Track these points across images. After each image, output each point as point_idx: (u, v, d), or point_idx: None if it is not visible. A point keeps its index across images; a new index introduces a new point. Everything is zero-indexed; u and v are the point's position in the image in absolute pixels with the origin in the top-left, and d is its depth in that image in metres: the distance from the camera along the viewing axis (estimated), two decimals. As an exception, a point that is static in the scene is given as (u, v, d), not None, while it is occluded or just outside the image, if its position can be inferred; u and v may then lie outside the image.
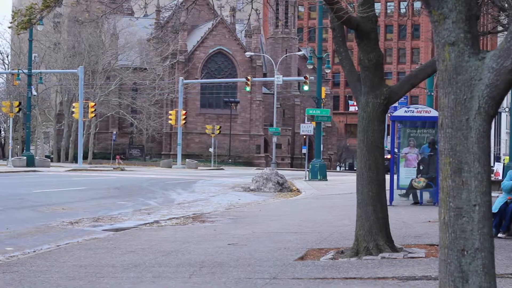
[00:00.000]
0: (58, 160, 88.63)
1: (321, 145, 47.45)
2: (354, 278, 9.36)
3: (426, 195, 22.89)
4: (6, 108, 59.22)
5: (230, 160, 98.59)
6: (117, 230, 16.13)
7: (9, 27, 11.72)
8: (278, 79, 73.02)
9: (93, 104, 68.85)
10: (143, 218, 19.17)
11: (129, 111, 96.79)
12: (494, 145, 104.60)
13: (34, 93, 71.46)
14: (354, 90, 11.72)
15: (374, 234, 11.06)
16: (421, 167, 21.98)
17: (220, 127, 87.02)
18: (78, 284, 9.14)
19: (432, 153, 21.56)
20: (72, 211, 20.45)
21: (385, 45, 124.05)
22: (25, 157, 59.55)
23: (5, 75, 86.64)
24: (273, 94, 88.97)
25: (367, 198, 11.19)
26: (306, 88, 69.27)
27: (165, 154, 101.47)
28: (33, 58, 66.97)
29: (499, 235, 13.66)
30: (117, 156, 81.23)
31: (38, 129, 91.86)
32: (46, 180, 38.63)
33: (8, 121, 71.27)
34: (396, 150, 22.96)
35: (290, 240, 13.41)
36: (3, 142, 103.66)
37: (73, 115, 69.74)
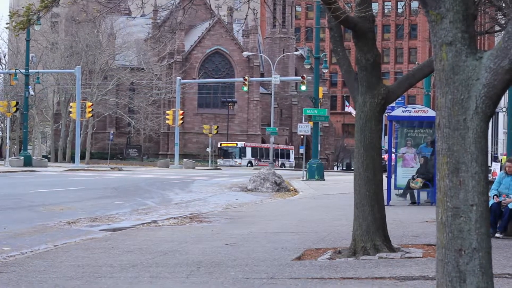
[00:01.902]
0: (56, 160, 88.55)
1: (319, 145, 47.47)
2: (352, 278, 9.37)
3: (423, 195, 22.89)
4: (3, 108, 59.13)
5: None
6: (114, 230, 16.12)
7: (6, 28, 11.72)
8: (275, 79, 73.01)
9: (90, 104, 68.78)
10: (141, 218, 19.17)
11: (127, 111, 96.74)
12: (492, 145, 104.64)
13: (32, 93, 71.36)
14: (351, 90, 11.73)
15: (372, 234, 11.06)
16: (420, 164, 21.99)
17: (218, 127, 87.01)
18: (76, 284, 9.14)
19: (433, 154, 21.53)
20: (69, 211, 20.43)
21: (383, 45, 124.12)
22: (22, 157, 59.46)
23: (2, 75, 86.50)
24: (271, 94, 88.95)
25: (365, 198, 11.20)
26: (303, 88, 69.30)
27: (162, 154, 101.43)
28: (30, 58, 66.84)
29: (497, 235, 13.67)
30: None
31: (36, 129, 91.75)
32: (44, 180, 38.60)
33: (6, 121, 71.23)
34: (393, 150, 22.96)
35: (287, 240, 13.41)
36: (0, 142, 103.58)
37: (71, 115, 69.60)
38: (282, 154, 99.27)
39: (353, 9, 11.81)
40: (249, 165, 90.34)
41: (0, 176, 42.51)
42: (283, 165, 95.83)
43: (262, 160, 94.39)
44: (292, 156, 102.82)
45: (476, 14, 6.23)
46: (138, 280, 9.40)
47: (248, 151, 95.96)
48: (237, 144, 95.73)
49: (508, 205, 13.95)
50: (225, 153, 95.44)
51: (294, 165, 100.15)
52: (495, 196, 14.12)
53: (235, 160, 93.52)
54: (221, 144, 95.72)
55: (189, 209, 22.20)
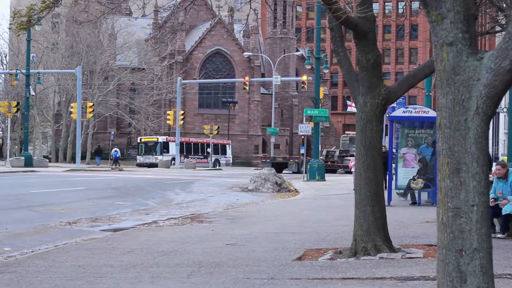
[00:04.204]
0: (56, 161, 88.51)
1: (319, 145, 47.44)
2: (352, 278, 9.37)
3: (424, 196, 22.89)
4: (4, 108, 59.13)
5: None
6: (115, 230, 16.13)
7: (9, 28, 11.72)
8: (276, 79, 73.00)
9: (91, 104, 68.77)
10: (141, 218, 19.17)
11: (127, 111, 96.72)
12: (492, 145, 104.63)
13: (32, 93, 71.41)
14: (352, 90, 11.73)
15: (372, 234, 11.07)
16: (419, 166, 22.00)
17: (218, 127, 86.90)
18: (77, 284, 9.14)
19: (434, 154, 21.52)
20: (70, 211, 20.44)
21: (383, 45, 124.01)
22: (23, 157, 59.46)
23: (3, 75, 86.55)
24: (271, 94, 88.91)
25: (365, 198, 11.20)
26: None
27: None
28: (31, 58, 66.84)
29: (498, 235, 13.68)
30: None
31: (36, 129, 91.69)
32: (44, 180, 38.60)
33: (6, 121, 71.21)
34: (394, 150, 22.96)
35: (288, 240, 13.41)
36: (1, 142, 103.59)
37: (71, 115, 69.64)
38: (216, 150, 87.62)
39: (354, 10, 11.82)
40: (173, 161, 78.46)
41: (1, 176, 42.52)
42: (217, 162, 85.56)
43: (190, 156, 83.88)
44: (229, 151, 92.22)
45: (477, 15, 6.24)
46: (138, 280, 9.40)
47: (172, 146, 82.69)
48: (158, 138, 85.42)
49: (503, 210, 13.96)
50: (145, 149, 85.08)
51: (231, 161, 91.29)
52: (492, 200, 14.16)
53: (156, 156, 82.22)
54: (140, 139, 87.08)
55: (190, 210, 22.20)
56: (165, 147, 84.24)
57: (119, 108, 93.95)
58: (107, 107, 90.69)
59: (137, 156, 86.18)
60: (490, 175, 15.31)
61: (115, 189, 32.08)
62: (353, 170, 28.54)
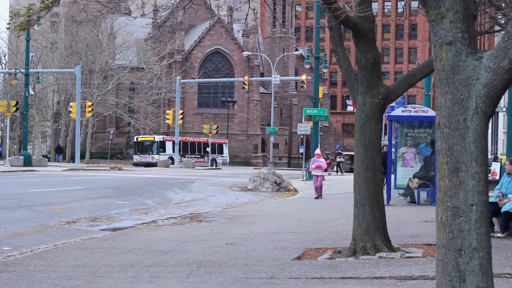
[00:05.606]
0: (55, 160, 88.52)
1: (319, 145, 47.45)
2: (352, 277, 9.37)
3: (423, 195, 22.89)
4: (3, 108, 59.06)
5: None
6: (114, 229, 16.13)
7: (7, 28, 11.71)
8: (275, 78, 73.00)
9: (90, 103, 68.76)
10: (141, 217, 19.17)
11: (127, 111, 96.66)
12: (492, 145, 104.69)
13: (31, 92, 71.30)
14: (351, 89, 11.74)
15: (372, 233, 11.07)
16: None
17: (218, 126, 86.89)
18: (76, 284, 9.14)
19: (433, 154, 21.55)
20: (69, 210, 20.44)
21: (383, 45, 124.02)
22: (22, 157, 59.43)
23: (2, 75, 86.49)
24: (271, 93, 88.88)
25: (365, 197, 11.21)
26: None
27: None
28: (30, 58, 66.75)
29: (498, 235, 13.69)
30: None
31: (35, 129, 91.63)
32: (44, 179, 38.58)
33: (6, 120, 71.21)
34: (393, 149, 22.96)
35: (287, 239, 13.41)
36: (0, 141, 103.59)
37: (70, 114, 69.59)
38: (213, 149, 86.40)
39: (353, 9, 11.82)
40: (170, 161, 77.43)
41: (0, 175, 42.50)
42: (214, 161, 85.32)
43: (187, 155, 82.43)
44: (226, 150, 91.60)
45: (476, 14, 6.23)
46: (137, 280, 9.40)
47: (168, 145, 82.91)
48: (154, 138, 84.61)
49: (503, 207, 13.96)
50: (142, 148, 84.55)
51: (228, 161, 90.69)
52: (497, 197, 14.17)
53: (152, 155, 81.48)
54: (137, 138, 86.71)
55: (189, 209, 22.20)
56: (161, 146, 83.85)
57: (118, 107, 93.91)
58: (106, 107, 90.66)
59: (134, 156, 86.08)
60: (489, 175, 15.36)
61: (114, 188, 32.07)
62: (314, 173, 28.33)
